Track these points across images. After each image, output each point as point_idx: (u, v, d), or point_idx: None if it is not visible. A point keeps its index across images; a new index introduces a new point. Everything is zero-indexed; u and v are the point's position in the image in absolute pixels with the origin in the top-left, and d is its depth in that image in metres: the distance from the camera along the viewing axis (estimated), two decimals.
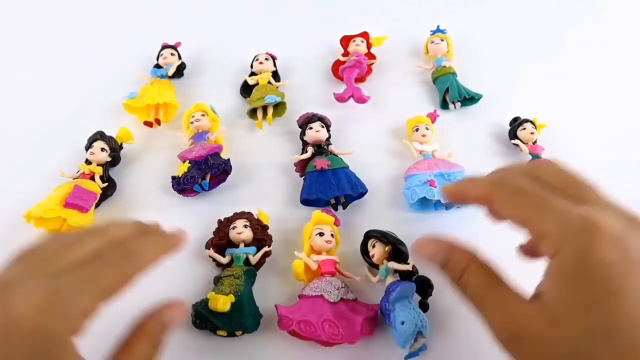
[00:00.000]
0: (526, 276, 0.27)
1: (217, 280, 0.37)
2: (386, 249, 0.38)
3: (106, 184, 0.45)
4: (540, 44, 0.60)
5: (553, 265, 0.25)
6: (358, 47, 0.56)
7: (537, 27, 0.62)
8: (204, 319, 0.35)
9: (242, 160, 0.47)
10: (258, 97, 0.51)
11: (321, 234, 0.38)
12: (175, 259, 0.40)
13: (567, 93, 0.54)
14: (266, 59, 0.55)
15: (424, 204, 0.43)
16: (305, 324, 0.33)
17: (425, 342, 0.33)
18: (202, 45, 0.60)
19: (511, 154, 0.48)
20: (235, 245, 0.40)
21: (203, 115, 0.49)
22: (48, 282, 0.24)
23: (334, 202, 0.43)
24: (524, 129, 0.46)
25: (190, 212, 0.44)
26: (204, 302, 0.35)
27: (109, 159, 0.46)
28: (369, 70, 0.56)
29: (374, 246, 0.38)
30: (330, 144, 0.47)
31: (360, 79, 0.55)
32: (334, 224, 0.40)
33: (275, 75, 0.56)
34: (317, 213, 0.40)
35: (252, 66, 0.55)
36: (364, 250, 0.40)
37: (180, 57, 0.57)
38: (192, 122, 0.48)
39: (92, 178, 0.44)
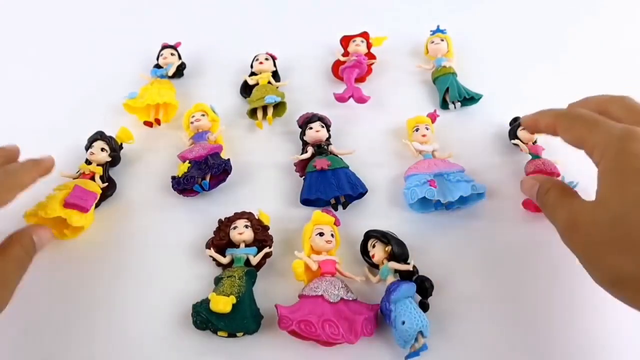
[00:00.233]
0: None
1: (218, 281, 0.37)
2: (386, 249, 0.38)
3: (106, 184, 0.44)
4: (540, 44, 0.60)
5: (600, 167, 0.31)
6: (358, 47, 0.56)
7: (538, 27, 0.62)
8: (205, 319, 0.35)
9: (242, 160, 0.47)
10: (258, 97, 0.51)
11: (321, 234, 0.38)
12: (175, 259, 0.41)
13: (567, 93, 0.53)
14: (266, 59, 0.55)
15: (424, 204, 0.43)
16: (305, 324, 0.33)
17: (426, 342, 0.33)
18: (202, 45, 0.60)
19: (511, 154, 0.48)
20: (235, 245, 0.40)
21: (203, 115, 0.49)
22: None
23: (334, 202, 0.43)
24: (524, 129, 0.46)
25: (190, 212, 0.44)
26: (205, 303, 0.35)
27: (109, 159, 0.46)
28: (369, 70, 0.56)
29: (374, 246, 0.38)
30: (330, 144, 0.47)
31: (360, 79, 0.55)
32: (334, 224, 0.40)
33: (275, 75, 0.56)
34: (317, 213, 0.40)
35: (252, 66, 0.55)
36: (364, 250, 0.40)
37: (180, 57, 0.57)
38: (192, 122, 0.48)
39: (92, 178, 0.44)
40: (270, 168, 0.47)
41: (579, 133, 0.33)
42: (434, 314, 0.35)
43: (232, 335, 0.35)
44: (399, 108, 0.52)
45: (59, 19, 0.66)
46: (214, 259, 0.39)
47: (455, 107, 0.52)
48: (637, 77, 0.55)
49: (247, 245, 0.40)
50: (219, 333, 0.35)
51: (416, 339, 0.33)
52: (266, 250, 0.39)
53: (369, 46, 0.57)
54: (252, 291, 0.37)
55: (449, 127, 0.50)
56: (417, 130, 0.47)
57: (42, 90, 0.56)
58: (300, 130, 0.48)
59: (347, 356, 0.35)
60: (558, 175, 0.43)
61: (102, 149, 0.45)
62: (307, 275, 0.37)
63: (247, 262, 0.39)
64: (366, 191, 0.44)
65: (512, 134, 0.47)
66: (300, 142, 0.48)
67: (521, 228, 0.42)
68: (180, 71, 0.56)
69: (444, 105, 0.52)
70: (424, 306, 0.35)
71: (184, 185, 0.43)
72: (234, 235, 0.39)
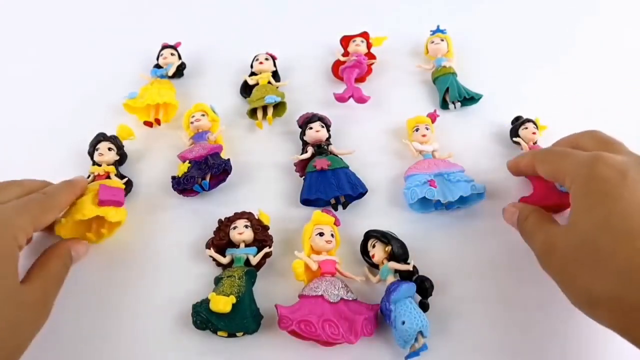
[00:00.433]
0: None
1: (218, 281, 0.37)
2: (386, 249, 0.38)
3: (126, 178, 0.45)
4: (540, 44, 0.60)
5: (571, 192, 0.33)
6: (358, 47, 0.56)
7: (538, 27, 0.62)
8: (205, 319, 0.35)
9: (242, 160, 0.47)
10: (258, 97, 0.51)
11: (321, 234, 0.38)
12: (175, 259, 0.41)
13: (567, 93, 0.54)
14: (266, 59, 0.55)
15: (424, 204, 0.43)
16: (305, 324, 0.33)
17: (426, 342, 0.34)
18: (202, 45, 0.60)
19: (511, 154, 0.47)
20: (235, 245, 0.40)
21: (203, 115, 0.49)
22: None
23: (334, 202, 0.43)
24: (526, 128, 0.46)
25: (190, 212, 0.44)
26: (205, 303, 0.35)
27: (117, 158, 0.46)
28: (369, 70, 0.56)
29: (374, 246, 0.38)
30: (330, 144, 0.47)
31: (360, 79, 0.55)
32: (334, 224, 0.40)
33: (275, 75, 0.56)
34: (317, 213, 0.40)
35: (252, 66, 0.55)
36: (364, 250, 0.40)
37: (180, 57, 0.57)
38: (192, 122, 0.48)
39: (107, 178, 0.44)
40: (270, 168, 0.47)
41: (553, 164, 0.36)
42: (434, 314, 0.35)
43: (232, 335, 0.35)
44: (399, 108, 0.52)
45: (59, 19, 0.66)
46: (214, 259, 0.39)
47: (455, 107, 0.52)
48: (638, 77, 0.55)
49: (247, 245, 0.40)
50: (219, 333, 0.35)
51: (416, 339, 0.33)
52: (266, 250, 0.39)
53: (369, 46, 0.57)
54: (252, 291, 0.37)
55: (449, 127, 0.50)
56: (417, 130, 0.47)
57: (42, 90, 0.56)
58: (300, 130, 0.48)
59: (347, 356, 0.35)
60: None
61: (109, 149, 0.45)
62: (307, 275, 0.37)
63: (247, 262, 0.39)
64: (366, 191, 0.44)
65: (514, 133, 0.47)
66: (300, 142, 0.48)
67: None
68: (180, 71, 0.56)
69: (444, 105, 0.52)
70: (424, 306, 0.35)
71: (184, 185, 0.43)
72: (234, 235, 0.39)
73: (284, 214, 0.43)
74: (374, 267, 0.39)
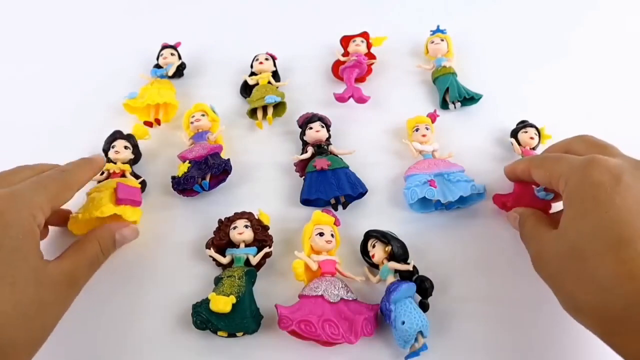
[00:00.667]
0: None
1: (218, 281, 0.37)
2: (386, 249, 0.38)
3: (142, 178, 0.45)
4: (540, 44, 0.60)
5: (564, 196, 0.33)
6: (358, 47, 0.56)
7: (538, 27, 0.62)
8: (205, 319, 0.35)
9: (242, 160, 0.47)
10: (258, 97, 0.51)
11: (321, 234, 0.38)
12: (175, 259, 0.41)
13: (567, 92, 0.54)
14: (266, 59, 0.55)
15: (424, 204, 0.43)
16: (305, 324, 0.33)
17: (426, 342, 0.34)
18: (202, 45, 0.60)
19: (511, 154, 0.47)
20: (235, 245, 0.40)
21: (203, 115, 0.49)
22: (7, 189, 0.32)
23: (334, 202, 0.43)
24: (526, 132, 0.46)
25: (190, 212, 0.44)
26: (205, 303, 0.35)
27: (132, 157, 0.46)
28: (369, 70, 0.56)
29: (374, 246, 0.38)
30: (330, 144, 0.47)
31: (360, 79, 0.55)
32: (334, 224, 0.40)
33: (275, 75, 0.56)
34: (317, 213, 0.40)
35: (252, 66, 0.55)
36: (364, 250, 0.40)
37: (180, 57, 0.57)
38: (192, 122, 0.48)
39: (122, 176, 0.44)
40: (270, 168, 0.47)
41: (547, 169, 0.36)
42: (434, 314, 0.35)
43: (232, 335, 0.35)
44: (399, 108, 0.52)
45: (58, 19, 0.66)
46: (214, 259, 0.39)
47: (455, 107, 0.52)
48: (638, 77, 0.55)
49: (247, 245, 0.40)
50: (219, 333, 0.35)
51: (416, 339, 0.33)
52: (266, 250, 0.39)
53: (369, 46, 0.57)
54: (252, 291, 0.37)
55: (449, 127, 0.50)
56: (417, 130, 0.47)
57: (42, 90, 0.56)
58: (300, 130, 0.48)
59: (347, 356, 0.35)
60: None
61: (125, 147, 0.45)
62: (307, 275, 0.37)
63: (247, 262, 0.39)
64: (366, 191, 0.44)
65: (513, 134, 0.47)
66: (300, 142, 0.48)
67: None
68: (180, 71, 0.56)
69: (444, 105, 0.52)
70: (424, 306, 0.35)
71: (184, 185, 0.43)
72: (234, 235, 0.39)
73: (284, 214, 0.43)
74: (374, 267, 0.39)
